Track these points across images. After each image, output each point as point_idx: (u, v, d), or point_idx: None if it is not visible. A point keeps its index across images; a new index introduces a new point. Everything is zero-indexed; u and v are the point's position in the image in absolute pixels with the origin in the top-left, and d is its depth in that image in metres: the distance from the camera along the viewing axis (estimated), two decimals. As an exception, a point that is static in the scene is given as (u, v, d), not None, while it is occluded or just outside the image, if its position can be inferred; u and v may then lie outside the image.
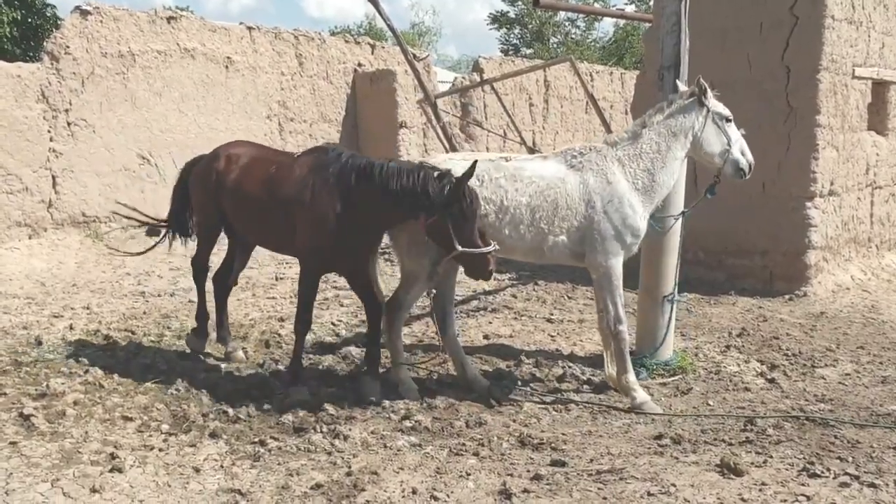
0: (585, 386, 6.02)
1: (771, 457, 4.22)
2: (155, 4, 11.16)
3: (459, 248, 4.99)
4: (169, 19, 11.04)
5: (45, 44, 10.02)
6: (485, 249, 5.04)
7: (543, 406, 5.50)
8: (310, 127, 13.14)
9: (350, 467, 4.44)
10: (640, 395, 5.47)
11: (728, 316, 8.30)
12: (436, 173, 5.12)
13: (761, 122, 9.08)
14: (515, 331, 7.57)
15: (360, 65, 14.04)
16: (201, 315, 6.58)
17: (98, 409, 5.34)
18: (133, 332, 7.27)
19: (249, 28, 12.25)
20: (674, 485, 3.81)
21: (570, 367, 6.39)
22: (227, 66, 11.81)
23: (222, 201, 5.98)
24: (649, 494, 3.75)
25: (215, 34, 11.60)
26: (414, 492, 4.01)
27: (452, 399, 5.59)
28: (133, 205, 10.80)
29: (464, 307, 8.36)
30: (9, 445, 4.67)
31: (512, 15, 42.59)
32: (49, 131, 9.70)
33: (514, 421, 5.19)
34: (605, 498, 3.77)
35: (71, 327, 7.35)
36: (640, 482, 3.92)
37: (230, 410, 5.37)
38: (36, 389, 5.59)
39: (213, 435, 4.96)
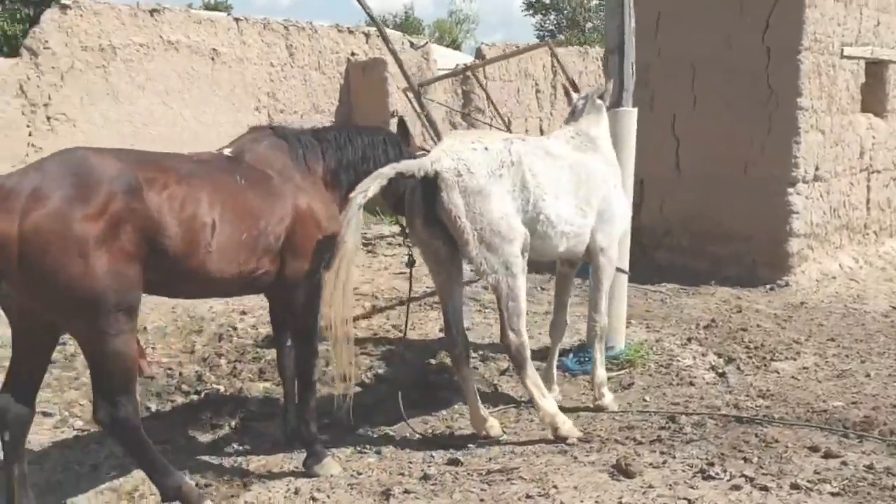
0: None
1: (674, 457, 4.03)
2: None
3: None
4: (152, 12, 11.05)
5: (25, 39, 10.09)
6: None
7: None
8: (300, 118, 13.06)
9: (248, 466, 4.38)
10: (609, 395, 5.22)
11: (702, 307, 8.03)
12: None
13: (742, 104, 8.79)
14: (474, 323, 7.39)
15: (353, 54, 13.93)
16: None
17: (24, 404, 5.34)
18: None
19: (237, 19, 12.22)
20: (555, 486, 3.65)
21: (517, 360, 6.26)
22: (213, 59, 11.78)
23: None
24: (527, 497, 3.59)
25: (200, 26, 11.59)
26: (296, 492, 3.92)
27: (381, 395, 5.50)
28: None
29: (428, 300, 8.23)
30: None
31: (546, 1, 42.25)
32: (28, 126, 9.78)
33: (435, 418, 5.07)
34: (482, 500, 3.63)
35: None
36: (526, 483, 3.77)
37: (153, 406, 5.35)
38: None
39: (128, 431, 4.92)
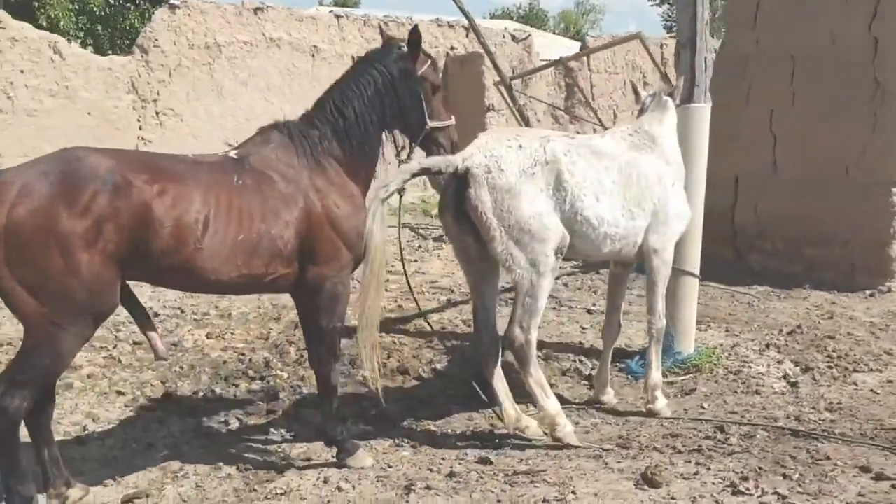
0: (584, 382, 5.78)
1: (709, 469, 3.87)
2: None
3: (430, 122, 4.36)
4: (256, 10, 11.48)
5: (138, 39, 10.75)
6: (451, 121, 4.50)
7: (522, 401, 5.31)
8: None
9: (290, 453, 4.53)
10: (662, 400, 5.10)
11: (790, 312, 7.63)
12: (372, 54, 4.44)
13: (844, 99, 8.28)
14: (546, 321, 7.31)
15: (452, 48, 14.01)
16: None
17: (104, 382, 5.70)
18: (182, 311, 7.67)
19: (337, 17, 12.53)
20: (574, 492, 3.59)
21: (581, 361, 6.18)
22: (313, 55, 12.14)
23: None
24: (545, 501, 3.54)
25: (302, 24, 11.96)
26: (325, 481, 4.02)
27: (435, 389, 5.56)
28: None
29: (503, 296, 8.20)
30: None
31: (672, -10, 41.16)
32: (138, 120, 10.40)
33: (481, 415, 5.07)
34: (499, 500, 3.62)
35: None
36: (549, 486, 3.72)
37: (218, 390, 5.59)
38: (61, 362, 6.02)
39: (190, 413, 5.18)
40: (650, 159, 4.84)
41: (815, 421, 4.77)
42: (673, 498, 3.50)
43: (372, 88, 4.24)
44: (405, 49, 4.39)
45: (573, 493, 3.58)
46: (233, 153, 4.06)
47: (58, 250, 3.33)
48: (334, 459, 4.31)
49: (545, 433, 4.49)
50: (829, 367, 5.95)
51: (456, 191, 4.30)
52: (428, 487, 3.80)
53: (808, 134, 8.57)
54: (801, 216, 8.69)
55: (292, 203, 3.92)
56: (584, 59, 16.24)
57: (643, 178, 4.72)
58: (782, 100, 8.83)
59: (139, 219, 3.49)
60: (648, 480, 3.65)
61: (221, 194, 3.73)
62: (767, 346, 6.49)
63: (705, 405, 5.18)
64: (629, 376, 5.92)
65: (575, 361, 6.14)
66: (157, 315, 7.38)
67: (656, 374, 5.08)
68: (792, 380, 5.68)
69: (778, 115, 8.90)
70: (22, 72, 9.39)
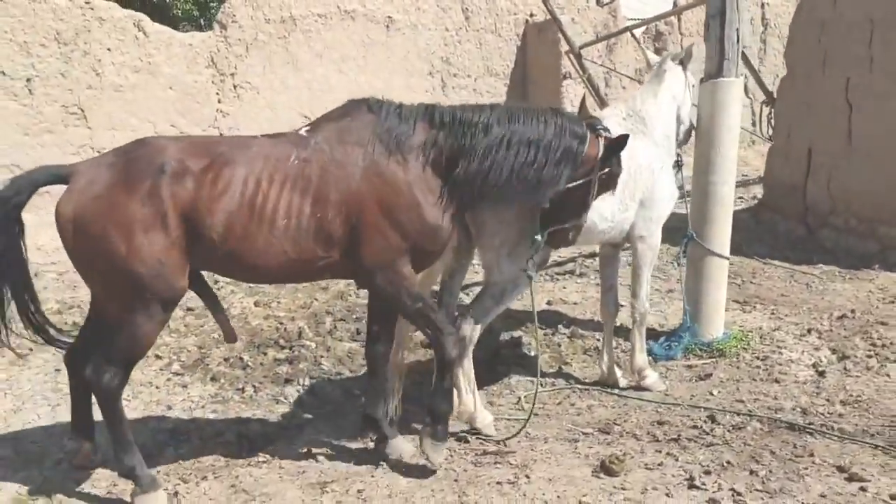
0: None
1: (677, 460, 3.83)
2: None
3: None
4: (332, -17, 11.67)
5: (217, 14, 11.15)
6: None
7: (529, 378, 5.36)
8: (474, 82, 13.25)
9: (292, 419, 4.76)
10: (651, 376, 5.21)
11: (850, 294, 7.27)
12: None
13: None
14: (586, 297, 7.29)
15: (532, 15, 13.78)
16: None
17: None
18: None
19: (413, -14, 12.57)
20: (528, 476, 3.64)
21: (605, 339, 6.14)
22: (387, 26, 12.23)
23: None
24: (497, 483, 3.62)
25: (377, -6, 12.07)
26: (307, 452, 4.20)
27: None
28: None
29: (553, 269, 8.18)
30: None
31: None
32: (217, 94, 10.82)
33: (483, 392, 5.14)
34: (456, 480, 3.71)
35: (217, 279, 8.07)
36: (509, 468, 3.79)
37: (246, 357, 5.90)
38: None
39: (214, 378, 5.51)
40: (643, 146, 4.79)
41: (821, 414, 4.60)
42: (623, 488, 3.51)
43: (532, 152, 3.76)
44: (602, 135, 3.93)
45: (527, 476, 3.64)
46: (304, 129, 3.86)
47: (120, 237, 3.40)
48: (329, 431, 4.48)
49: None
50: (868, 357, 5.68)
51: None
52: (396, 464, 3.93)
53: (886, 103, 8.03)
54: (877, 192, 8.20)
55: (346, 183, 3.65)
56: (676, 22, 15.69)
57: (638, 170, 4.68)
58: (859, 66, 8.30)
59: (194, 205, 3.49)
60: (606, 469, 3.66)
61: (276, 176, 3.61)
62: (809, 330, 6.25)
63: (715, 392, 5.07)
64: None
65: (600, 341, 6.08)
66: (216, 282, 7.79)
67: (640, 357, 5.19)
68: (821, 368, 5.46)
69: (854, 82, 8.38)
70: (109, 49, 9.92)
